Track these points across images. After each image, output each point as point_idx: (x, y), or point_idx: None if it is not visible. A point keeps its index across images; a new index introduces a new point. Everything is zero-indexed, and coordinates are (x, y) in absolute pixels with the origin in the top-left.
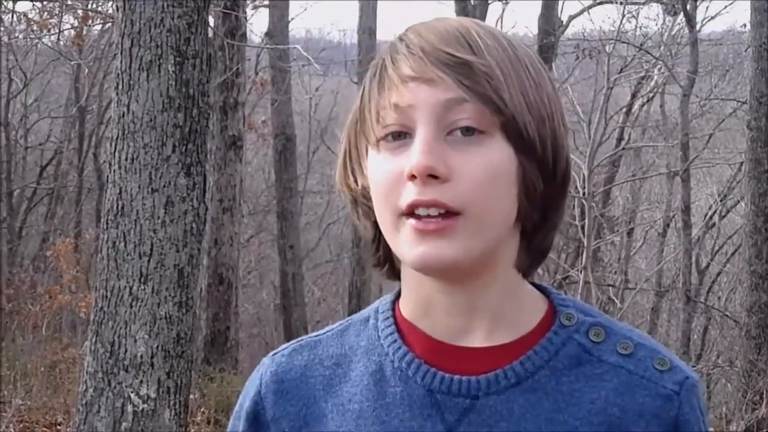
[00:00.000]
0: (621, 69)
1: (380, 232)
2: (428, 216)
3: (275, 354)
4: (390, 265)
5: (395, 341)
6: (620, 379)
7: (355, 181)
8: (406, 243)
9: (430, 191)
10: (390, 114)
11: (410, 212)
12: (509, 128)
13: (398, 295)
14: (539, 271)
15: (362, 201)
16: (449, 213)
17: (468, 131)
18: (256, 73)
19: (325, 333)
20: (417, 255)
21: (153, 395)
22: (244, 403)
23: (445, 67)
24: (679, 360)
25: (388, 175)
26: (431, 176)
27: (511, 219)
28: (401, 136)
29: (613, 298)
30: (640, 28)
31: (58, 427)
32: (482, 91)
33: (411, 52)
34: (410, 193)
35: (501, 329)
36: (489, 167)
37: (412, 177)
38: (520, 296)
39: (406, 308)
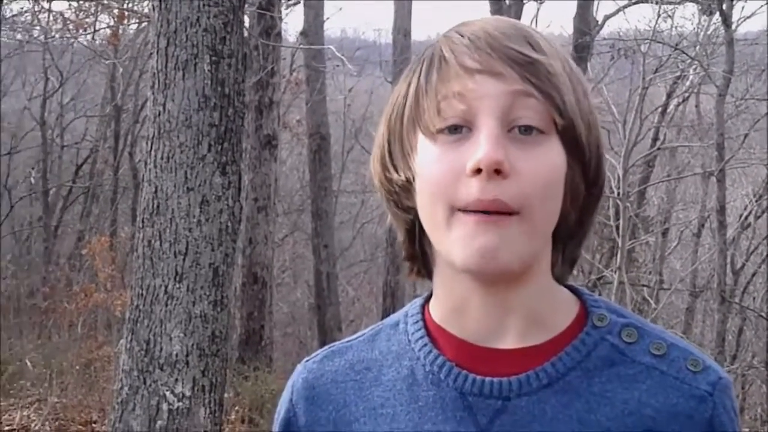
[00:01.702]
0: (656, 69)
1: (417, 228)
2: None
3: (307, 361)
4: (423, 262)
5: (426, 345)
6: (653, 379)
7: (398, 173)
8: (462, 238)
9: (492, 188)
10: (452, 105)
11: (466, 208)
12: (566, 132)
13: (427, 299)
14: (574, 271)
15: (402, 194)
16: (507, 212)
17: (527, 130)
18: (291, 73)
19: (356, 338)
20: (476, 249)
21: (188, 393)
22: (280, 410)
23: (512, 63)
24: (712, 361)
25: (446, 168)
26: (496, 171)
27: (556, 222)
28: (458, 129)
29: (648, 298)
30: (676, 27)
31: (94, 425)
32: (547, 90)
33: (477, 46)
34: (472, 190)
35: (533, 331)
36: (548, 169)
37: (477, 171)
38: (552, 298)
39: (437, 311)
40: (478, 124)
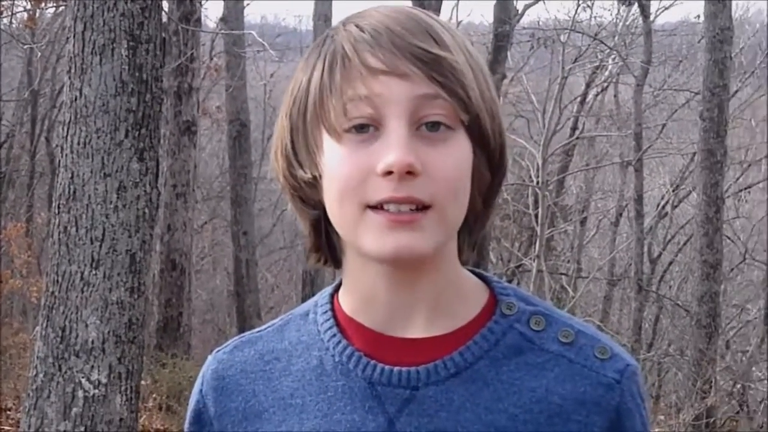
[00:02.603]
0: (575, 59)
1: (323, 221)
2: (399, 211)
3: (217, 351)
4: (330, 253)
5: (335, 335)
6: (561, 367)
7: (303, 171)
8: (374, 235)
9: (404, 187)
10: (358, 107)
11: (377, 206)
12: (472, 125)
13: (337, 288)
14: (492, 259)
15: (308, 190)
16: (420, 207)
17: (434, 126)
18: (211, 59)
19: (266, 329)
20: (390, 246)
21: (104, 381)
22: (191, 401)
23: (418, 62)
24: (620, 348)
25: (354, 169)
26: (408, 172)
27: (465, 212)
28: (365, 128)
29: (566, 286)
30: (595, 18)
31: (8, 413)
32: (453, 88)
33: (379, 43)
34: (383, 189)
35: (441, 319)
36: (457, 164)
37: (388, 173)
38: (460, 286)
39: (346, 300)
40: (386, 125)
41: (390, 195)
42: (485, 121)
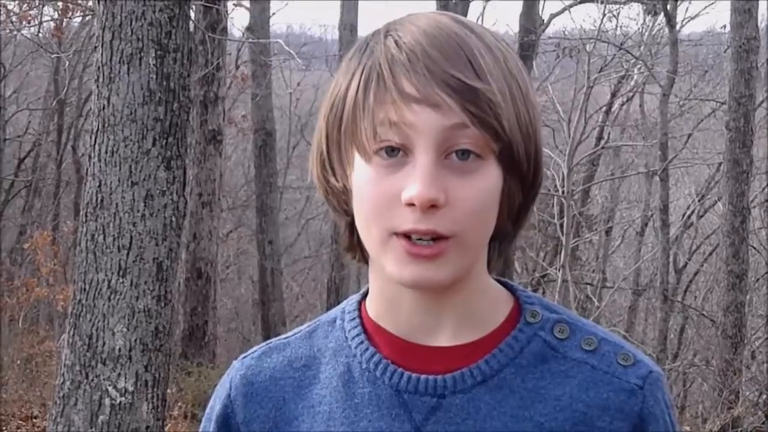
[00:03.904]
0: (601, 68)
1: (354, 224)
2: (420, 239)
3: (244, 357)
4: (362, 253)
5: (362, 342)
6: (585, 374)
7: (336, 180)
8: (396, 262)
9: (427, 220)
10: (387, 132)
11: (401, 234)
12: (503, 153)
13: (364, 296)
14: (518, 269)
15: (341, 197)
16: (442, 237)
17: (464, 155)
18: (237, 68)
19: (293, 335)
20: (409, 276)
21: (131, 388)
22: (214, 406)
23: (451, 92)
24: (643, 355)
25: (380, 194)
26: (431, 206)
27: (490, 235)
28: (395, 151)
29: (591, 296)
30: (621, 27)
31: (35, 420)
32: (486, 119)
33: (414, 69)
34: (407, 220)
35: (467, 328)
36: (484, 193)
37: (412, 204)
38: (486, 295)
39: (372, 307)
40: (415, 153)
41: (413, 227)
42: (518, 147)
